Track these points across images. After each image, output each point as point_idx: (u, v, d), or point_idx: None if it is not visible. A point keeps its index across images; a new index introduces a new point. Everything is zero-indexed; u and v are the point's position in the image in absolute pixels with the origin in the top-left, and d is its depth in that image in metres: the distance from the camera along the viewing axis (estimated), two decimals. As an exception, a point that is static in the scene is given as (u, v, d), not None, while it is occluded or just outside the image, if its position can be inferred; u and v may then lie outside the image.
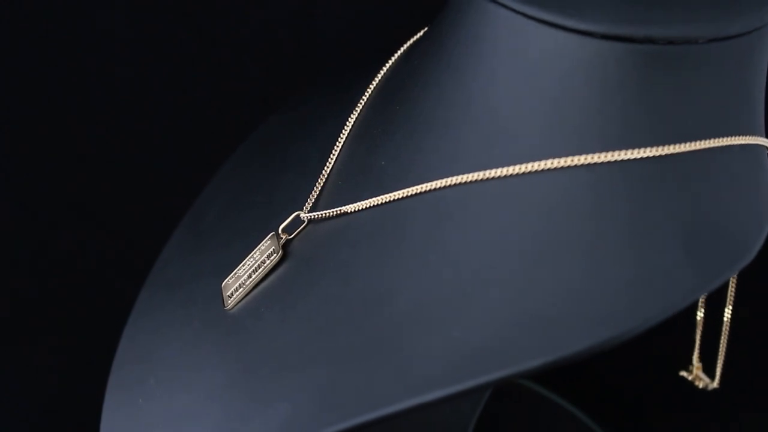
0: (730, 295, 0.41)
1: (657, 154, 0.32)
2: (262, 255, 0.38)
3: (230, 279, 0.38)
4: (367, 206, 0.36)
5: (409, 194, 0.35)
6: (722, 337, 0.43)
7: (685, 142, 0.33)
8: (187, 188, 0.66)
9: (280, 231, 0.38)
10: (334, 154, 0.39)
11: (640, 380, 0.68)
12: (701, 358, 0.46)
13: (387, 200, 0.35)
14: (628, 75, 0.32)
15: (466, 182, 0.34)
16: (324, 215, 0.37)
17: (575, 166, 0.33)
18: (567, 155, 0.33)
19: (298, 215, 0.38)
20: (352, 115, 0.40)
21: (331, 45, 0.61)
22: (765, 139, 0.35)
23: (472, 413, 0.39)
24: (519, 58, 0.34)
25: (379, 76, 0.41)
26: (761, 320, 0.55)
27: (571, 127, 0.33)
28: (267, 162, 0.45)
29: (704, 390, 0.47)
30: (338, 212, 0.36)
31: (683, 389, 0.66)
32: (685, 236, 0.32)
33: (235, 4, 0.60)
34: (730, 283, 0.41)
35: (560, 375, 0.61)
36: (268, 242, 0.38)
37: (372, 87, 0.41)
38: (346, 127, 0.40)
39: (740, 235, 0.32)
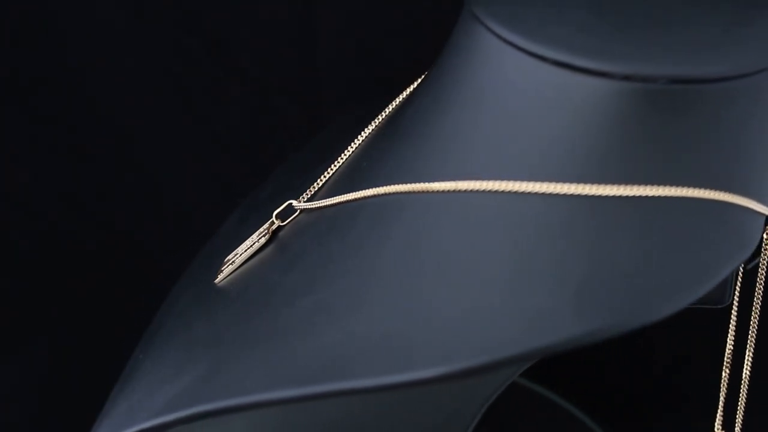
0: (749, 353, 0.40)
1: (588, 192, 0.32)
2: (258, 236, 0.40)
3: (231, 255, 0.40)
4: (333, 203, 0.38)
5: (363, 196, 0.37)
6: (741, 397, 0.41)
7: (628, 184, 0.32)
8: (186, 188, 0.66)
9: (274, 216, 0.39)
10: (347, 153, 0.41)
11: (640, 380, 0.68)
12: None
13: (347, 200, 0.37)
14: (588, 107, 0.32)
15: (407, 191, 0.35)
16: (307, 207, 0.39)
17: (510, 192, 0.33)
18: (511, 179, 0.33)
19: (291, 203, 0.40)
20: (377, 119, 0.42)
21: (332, 44, 0.61)
22: (733, 196, 0.34)
23: (473, 414, 0.39)
24: (491, 78, 0.35)
25: (415, 84, 0.42)
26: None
27: (519, 150, 0.33)
28: (320, 153, 0.47)
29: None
30: (313, 206, 0.39)
31: (683, 389, 0.66)
32: (583, 282, 0.31)
33: (236, 4, 0.60)
34: (749, 340, 0.39)
35: (560, 375, 0.61)
36: (266, 225, 0.40)
37: (404, 94, 0.42)
38: (367, 129, 0.41)
39: (650, 294, 0.31)
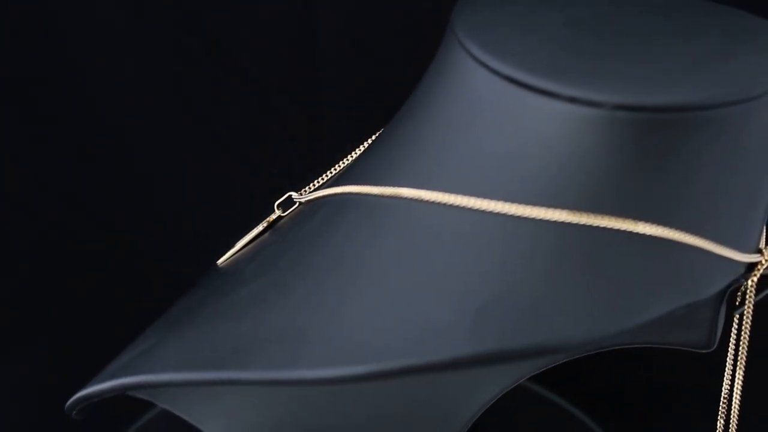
0: (735, 402, 0.39)
1: (518, 213, 0.32)
2: (261, 224, 0.42)
3: (241, 240, 0.42)
4: (310, 198, 0.39)
5: (324, 195, 0.38)
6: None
7: (564, 209, 0.31)
8: (186, 188, 0.66)
9: (276, 206, 0.41)
10: (353, 155, 0.42)
11: (641, 381, 0.68)
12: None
13: (316, 196, 0.39)
14: (534, 126, 0.32)
15: (356, 192, 0.36)
16: (298, 200, 0.41)
17: (441, 203, 0.33)
18: (446, 191, 0.33)
19: (290, 195, 0.41)
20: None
21: (332, 44, 0.61)
22: (683, 235, 0.32)
23: (469, 418, 0.39)
24: (455, 89, 0.35)
25: None
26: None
27: (464, 163, 0.33)
28: None
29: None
30: (302, 200, 0.40)
31: (684, 389, 0.66)
32: (488, 303, 0.31)
33: (236, 4, 0.60)
34: (735, 390, 0.39)
35: (560, 375, 0.61)
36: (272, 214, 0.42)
37: None
38: (376, 134, 0.43)
39: (557, 324, 0.30)
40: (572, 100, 0.31)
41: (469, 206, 0.32)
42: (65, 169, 0.64)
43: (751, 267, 0.36)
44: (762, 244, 0.36)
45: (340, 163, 0.42)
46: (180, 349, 0.35)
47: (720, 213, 0.33)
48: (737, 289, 0.36)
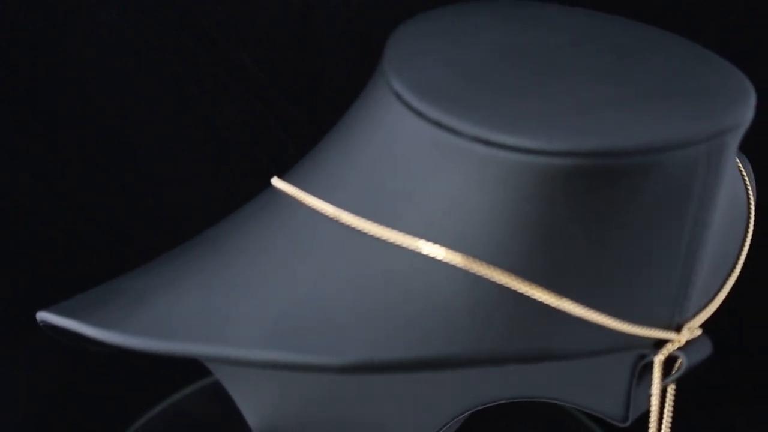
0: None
1: (368, 230, 0.32)
2: None
3: None
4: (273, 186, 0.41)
5: (272, 183, 0.39)
6: None
7: (416, 237, 0.30)
8: (186, 188, 0.66)
9: None
10: None
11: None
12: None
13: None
14: (414, 151, 0.31)
15: (277, 187, 0.38)
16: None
17: (322, 213, 0.33)
18: (320, 198, 0.34)
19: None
20: None
21: (332, 44, 0.61)
22: (517, 281, 0.29)
23: (449, 418, 0.39)
24: (366, 103, 0.35)
25: None
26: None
27: (352, 182, 0.33)
28: None
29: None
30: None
31: (683, 389, 0.66)
32: (285, 312, 0.31)
33: (236, 4, 0.60)
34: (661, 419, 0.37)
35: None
36: None
37: None
38: None
39: (343, 346, 0.30)
40: (437, 124, 0.29)
41: (335, 217, 0.33)
42: (65, 169, 0.64)
43: (660, 343, 0.33)
44: (695, 323, 0.34)
45: None
46: (82, 297, 0.37)
47: (589, 273, 0.30)
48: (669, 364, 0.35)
